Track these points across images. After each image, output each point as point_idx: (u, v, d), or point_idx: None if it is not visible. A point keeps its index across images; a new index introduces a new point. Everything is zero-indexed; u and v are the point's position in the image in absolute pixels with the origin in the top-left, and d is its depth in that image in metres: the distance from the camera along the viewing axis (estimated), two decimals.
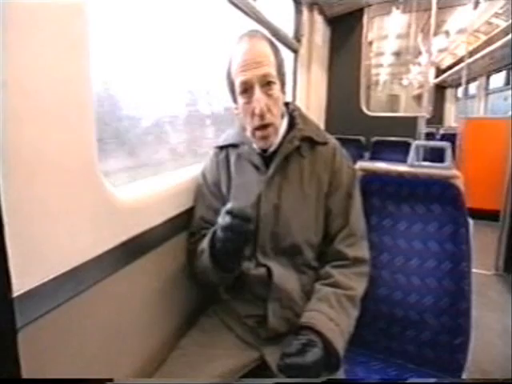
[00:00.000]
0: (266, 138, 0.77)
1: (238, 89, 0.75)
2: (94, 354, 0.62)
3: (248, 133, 0.80)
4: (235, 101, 0.80)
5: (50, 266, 0.51)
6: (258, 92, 0.73)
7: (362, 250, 0.81)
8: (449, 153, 1.15)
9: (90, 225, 0.59)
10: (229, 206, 0.65)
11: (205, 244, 0.76)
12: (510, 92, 4.65)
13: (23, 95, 0.46)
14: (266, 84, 0.73)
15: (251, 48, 0.74)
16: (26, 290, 0.47)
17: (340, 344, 0.67)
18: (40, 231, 0.50)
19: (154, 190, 0.80)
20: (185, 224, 0.87)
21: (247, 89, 0.74)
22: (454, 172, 0.94)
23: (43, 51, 0.48)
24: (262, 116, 0.73)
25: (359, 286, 0.77)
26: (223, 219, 0.65)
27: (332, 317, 0.69)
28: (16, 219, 0.45)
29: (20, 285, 0.46)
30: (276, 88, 0.75)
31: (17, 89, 0.45)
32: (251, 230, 0.66)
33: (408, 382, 0.84)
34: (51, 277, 0.51)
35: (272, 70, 0.74)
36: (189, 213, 0.88)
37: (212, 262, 0.74)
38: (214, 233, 0.72)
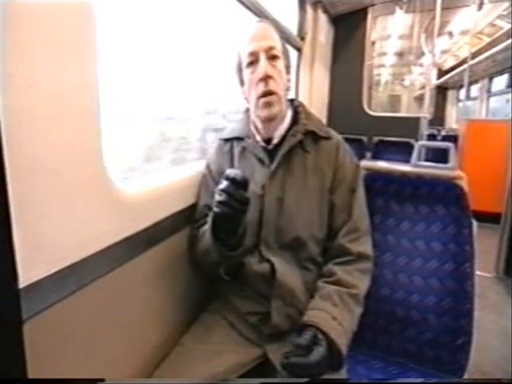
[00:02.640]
0: (270, 104, 0.77)
1: (245, 61, 0.79)
2: (97, 346, 0.62)
3: (253, 105, 0.80)
4: (242, 83, 0.83)
5: (55, 258, 0.51)
6: (263, 60, 0.76)
7: (366, 246, 0.81)
8: (453, 153, 1.14)
9: (96, 218, 0.59)
10: (226, 172, 0.66)
11: (207, 225, 0.75)
12: (510, 95, 4.65)
13: (29, 91, 0.46)
14: (271, 57, 0.77)
15: (258, 26, 0.81)
16: (32, 281, 0.48)
17: (343, 343, 0.67)
18: (46, 224, 0.50)
19: (160, 184, 0.80)
20: (189, 219, 0.87)
21: (253, 61, 0.77)
22: (459, 173, 0.94)
23: (50, 53, 0.48)
24: (265, 81, 0.76)
25: (362, 284, 0.77)
26: (220, 184, 0.66)
27: (335, 315, 0.68)
28: (23, 212, 0.45)
29: (26, 276, 0.46)
30: (280, 63, 0.79)
31: (23, 85, 0.45)
32: (246, 197, 0.66)
33: (409, 381, 0.84)
34: (57, 269, 0.51)
35: (277, 45, 0.79)
36: (193, 208, 0.88)
37: (213, 238, 0.72)
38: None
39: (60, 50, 0.50)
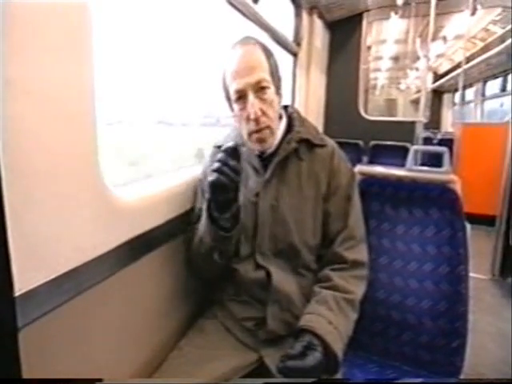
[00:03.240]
0: (263, 140, 0.78)
1: (232, 97, 0.76)
2: (93, 353, 0.62)
3: (245, 137, 0.80)
4: (231, 107, 0.80)
5: (51, 265, 0.52)
6: (251, 98, 0.73)
7: (361, 253, 0.81)
8: (447, 158, 1.16)
9: (92, 225, 0.59)
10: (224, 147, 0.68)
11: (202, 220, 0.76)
12: (505, 98, 4.70)
13: (26, 96, 0.46)
14: (260, 89, 0.74)
15: (243, 55, 0.75)
16: (28, 289, 0.47)
17: (339, 347, 0.67)
18: (42, 231, 0.50)
19: (156, 190, 0.80)
20: (185, 225, 0.87)
21: (241, 96, 0.75)
22: (452, 177, 0.95)
23: (46, 53, 0.48)
24: (256, 120, 0.74)
25: (358, 290, 0.77)
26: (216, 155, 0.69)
27: (331, 320, 0.69)
28: (18, 219, 0.45)
29: (22, 284, 0.46)
30: (270, 92, 0.76)
31: (19, 90, 0.45)
32: (239, 166, 0.67)
33: (407, 381, 0.84)
34: (53, 277, 0.51)
35: (265, 75, 0.75)
36: (189, 214, 0.88)
37: (208, 218, 0.72)
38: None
39: (56, 56, 0.50)
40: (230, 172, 0.65)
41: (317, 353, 0.62)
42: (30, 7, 0.46)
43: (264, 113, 0.75)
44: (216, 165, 0.66)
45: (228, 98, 0.80)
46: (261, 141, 0.78)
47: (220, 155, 0.67)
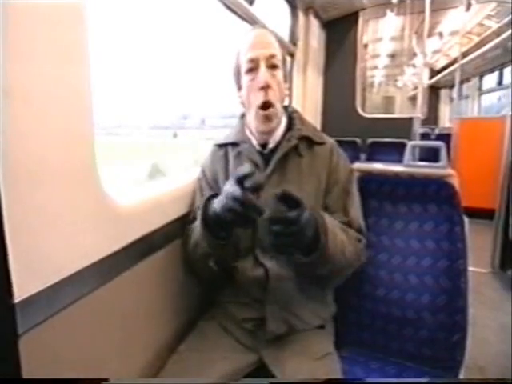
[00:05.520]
0: (269, 119, 0.78)
1: (244, 67, 0.79)
2: (94, 357, 0.62)
3: (251, 116, 0.81)
4: (239, 87, 0.83)
5: (50, 271, 0.51)
6: (263, 68, 0.76)
7: (361, 239, 0.81)
8: (444, 152, 1.16)
9: (91, 230, 0.59)
10: (240, 173, 0.60)
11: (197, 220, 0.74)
12: (501, 92, 4.71)
13: (24, 103, 0.46)
14: (271, 66, 0.77)
15: (259, 34, 0.81)
16: (28, 295, 0.47)
17: (325, 238, 0.65)
18: (41, 238, 0.50)
19: (154, 194, 0.81)
20: (184, 228, 0.87)
21: (253, 68, 0.77)
22: (449, 171, 0.96)
23: (43, 59, 0.48)
24: (265, 90, 0.76)
25: (351, 245, 0.75)
26: (231, 187, 0.61)
27: (327, 220, 0.68)
28: (17, 226, 0.45)
29: (21, 291, 0.46)
30: (279, 73, 0.79)
31: (17, 97, 0.45)
32: (260, 207, 0.60)
33: (405, 381, 0.85)
34: (52, 282, 0.51)
35: (278, 55, 0.79)
36: (187, 217, 0.88)
37: (204, 229, 0.71)
38: (208, 200, 0.72)
39: (52, 61, 0.50)
40: (250, 212, 0.60)
41: (302, 208, 0.60)
42: (26, 11, 0.46)
43: (272, 87, 0.77)
44: (232, 204, 0.61)
45: (238, 74, 0.82)
46: (266, 119, 0.78)
47: (238, 192, 0.59)
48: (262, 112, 0.78)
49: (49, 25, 0.49)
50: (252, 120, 0.81)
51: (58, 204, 0.52)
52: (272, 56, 0.77)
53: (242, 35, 0.82)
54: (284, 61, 0.82)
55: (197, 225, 0.75)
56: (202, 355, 0.76)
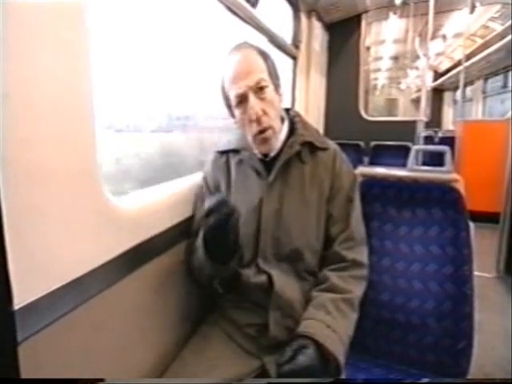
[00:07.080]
0: (267, 140, 0.77)
1: (233, 102, 0.76)
2: (95, 363, 0.62)
3: (249, 141, 0.80)
4: (232, 115, 0.81)
5: (51, 277, 0.51)
6: (252, 99, 0.73)
7: (361, 254, 0.81)
8: (448, 157, 1.15)
9: (92, 235, 0.59)
10: (206, 204, 0.66)
11: (199, 239, 0.75)
12: (506, 95, 4.68)
13: (24, 106, 0.46)
14: (259, 89, 0.74)
15: (240, 60, 0.75)
16: (28, 302, 0.47)
17: (339, 350, 0.66)
18: (41, 243, 0.49)
19: (155, 199, 0.80)
20: (185, 233, 0.87)
21: (242, 101, 0.75)
22: (454, 176, 0.95)
23: (43, 60, 0.48)
24: (258, 121, 0.74)
25: (357, 289, 0.77)
26: (205, 221, 0.67)
27: (329, 323, 0.68)
28: (17, 230, 0.45)
29: (21, 297, 0.46)
30: (269, 90, 0.76)
31: (17, 99, 0.45)
32: (232, 206, 0.66)
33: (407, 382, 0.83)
34: (52, 289, 0.51)
35: (263, 75, 0.75)
36: (190, 221, 0.88)
37: (205, 254, 0.72)
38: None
39: (52, 58, 0.49)
40: (224, 229, 0.65)
41: (309, 351, 0.61)
42: (26, 13, 0.45)
43: (265, 112, 0.75)
44: (208, 229, 0.67)
45: (228, 106, 0.80)
46: (265, 141, 0.77)
47: (210, 220, 0.65)
48: (259, 136, 0.77)
49: (49, 26, 0.49)
50: (251, 142, 0.80)
51: (59, 210, 0.52)
52: (258, 82, 0.74)
53: (224, 56, 0.78)
54: (272, 71, 0.79)
55: (199, 245, 0.75)
56: (204, 360, 0.75)
